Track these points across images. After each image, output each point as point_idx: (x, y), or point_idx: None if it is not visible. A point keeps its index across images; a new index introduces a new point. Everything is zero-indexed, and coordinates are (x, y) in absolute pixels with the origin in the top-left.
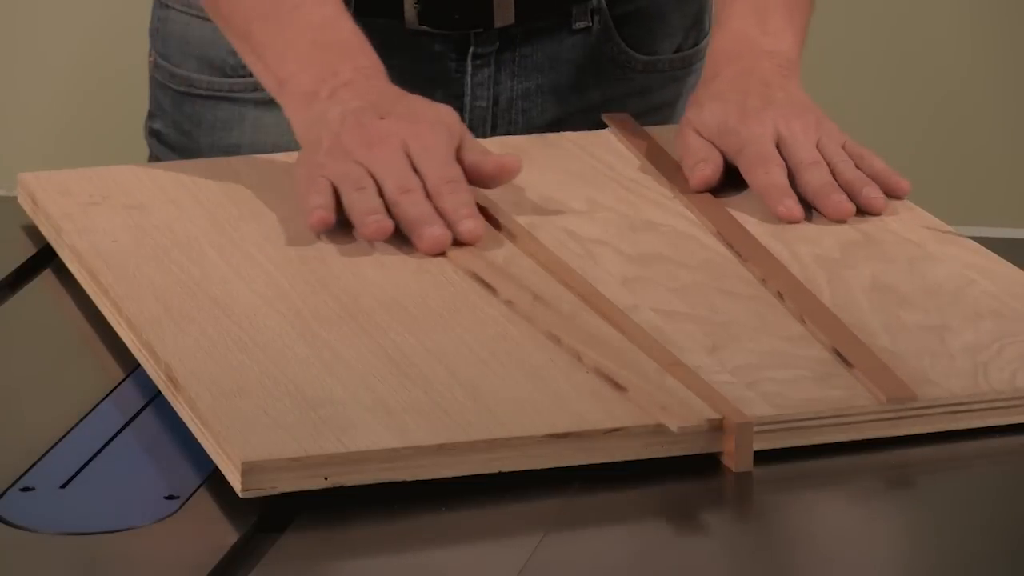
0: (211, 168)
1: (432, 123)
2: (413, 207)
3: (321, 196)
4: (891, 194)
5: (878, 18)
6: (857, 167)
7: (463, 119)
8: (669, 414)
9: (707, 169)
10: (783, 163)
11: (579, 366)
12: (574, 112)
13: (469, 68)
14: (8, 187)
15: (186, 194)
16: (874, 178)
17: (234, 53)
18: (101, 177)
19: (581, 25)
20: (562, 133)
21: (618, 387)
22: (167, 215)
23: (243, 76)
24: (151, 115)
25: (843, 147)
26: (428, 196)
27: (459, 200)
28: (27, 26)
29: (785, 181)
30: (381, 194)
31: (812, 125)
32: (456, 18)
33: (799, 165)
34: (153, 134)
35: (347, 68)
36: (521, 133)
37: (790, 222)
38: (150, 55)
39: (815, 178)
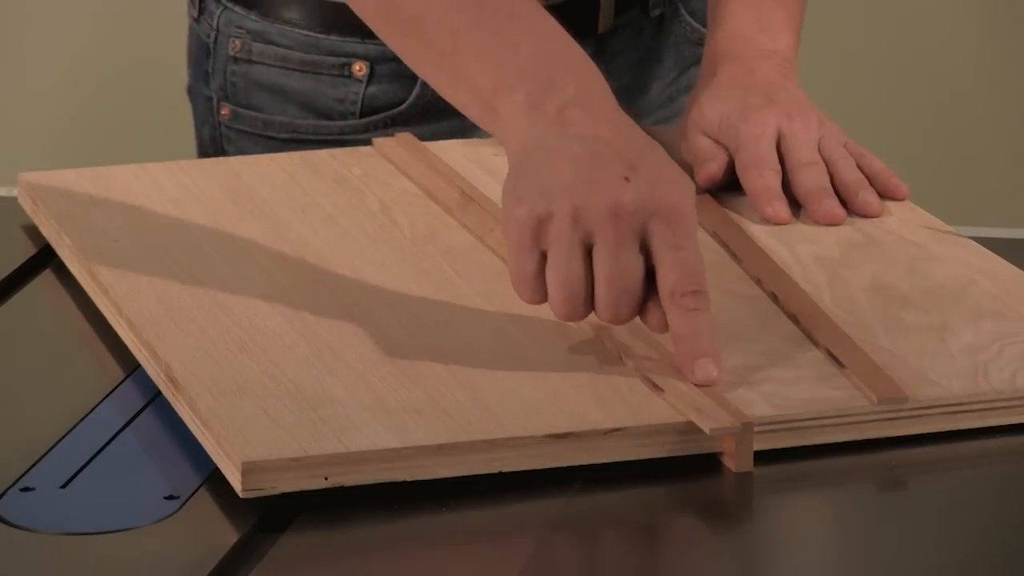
0: (211, 168)
1: (681, 190)
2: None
3: (535, 292)
4: (890, 197)
5: (879, 18)
6: (858, 165)
7: None
8: (705, 417)
9: (712, 166)
10: (778, 166)
11: (580, 366)
12: (655, 95)
13: None
14: (8, 187)
15: (186, 194)
16: (873, 178)
17: (342, 100)
18: (101, 177)
19: (656, 12)
20: None
21: (656, 387)
22: (167, 215)
23: (353, 120)
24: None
25: (844, 147)
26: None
27: (700, 326)
28: (27, 26)
29: (777, 185)
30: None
31: (813, 124)
32: (566, 30)
33: (796, 165)
34: None
35: (572, 83)
36: None
37: (776, 224)
38: (221, 109)
39: (809, 180)
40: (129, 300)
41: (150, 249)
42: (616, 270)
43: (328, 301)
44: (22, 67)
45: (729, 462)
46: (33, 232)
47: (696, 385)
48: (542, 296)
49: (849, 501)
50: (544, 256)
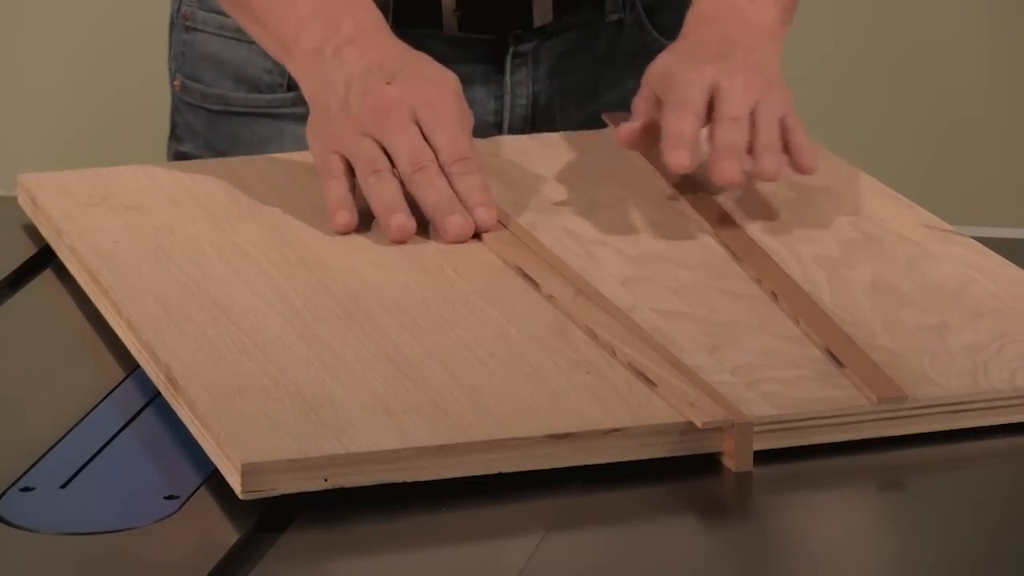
0: (211, 168)
1: (440, 86)
2: (431, 190)
3: (338, 185)
4: (796, 168)
5: (880, 18)
6: (783, 137)
7: (503, 119)
8: (697, 411)
9: (624, 128)
10: (701, 113)
11: (580, 366)
12: (610, 104)
13: (508, 69)
14: (8, 187)
15: (186, 195)
16: (789, 149)
17: (270, 71)
18: (101, 178)
19: (614, 17)
20: (562, 133)
21: (649, 383)
22: (167, 216)
23: (281, 92)
24: (178, 139)
25: (783, 119)
26: (441, 170)
27: (472, 184)
28: (28, 26)
29: (691, 131)
30: (394, 166)
31: (756, 85)
32: (497, 21)
33: (718, 119)
34: (180, 157)
35: (348, 23)
36: (559, 129)
37: (676, 171)
38: (174, 79)
39: (724, 136)
40: (129, 301)
41: (150, 250)
42: (408, 147)
43: (328, 302)
44: (22, 68)
45: (729, 462)
46: (33, 232)
47: (478, 229)
48: (352, 218)
49: (849, 501)
50: (350, 186)
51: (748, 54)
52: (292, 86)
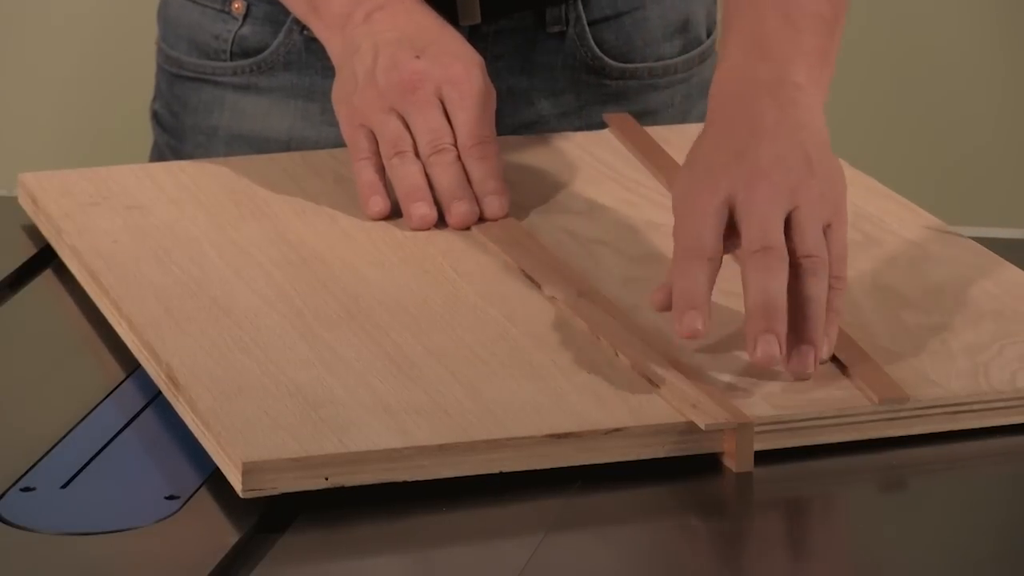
0: (211, 168)
1: (467, 64)
2: (445, 174)
3: (367, 167)
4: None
5: (879, 18)
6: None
7: None
8: (699, 412)
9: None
10: (716, 251)
11: (581, 366)
12: (548, 115)
13: None
14: (8, 187)
15: (186, 194)
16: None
17: (217, 36)
18: (101, 177)
19: (555, 29)
20: (562, 133)
21: (651, 383)
22: (167, 215)
23: (224, 60)
24: (154, 97)
25: (828, 227)
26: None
27: (487, 170)
28: (28, 26)
29: (701, 286)
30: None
31: (784, 190)
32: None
33: (745, 252)
34: (154, 115)
35: None
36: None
37: (687, 339)
38: (156, 39)
39: (752, 281)
40: (129, 301)
41: (150, 250)
42: (428, 128)
43: (328, 301)
44: (22, 67)
45: (729, 462)
46: (33, 232)
47: (488, 219)
48: (385, 203)
49: (849, 501)
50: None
51: (773, 142)
52: (235, 55)
